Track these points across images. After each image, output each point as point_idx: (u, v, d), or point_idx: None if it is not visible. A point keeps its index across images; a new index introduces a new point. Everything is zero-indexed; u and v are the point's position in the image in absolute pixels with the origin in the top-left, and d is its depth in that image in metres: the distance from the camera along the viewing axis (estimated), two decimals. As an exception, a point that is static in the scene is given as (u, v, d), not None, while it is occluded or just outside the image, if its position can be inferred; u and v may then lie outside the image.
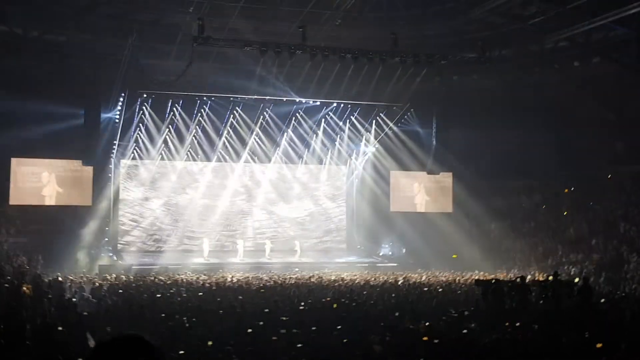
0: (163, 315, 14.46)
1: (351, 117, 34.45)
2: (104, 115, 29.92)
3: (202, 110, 32.06)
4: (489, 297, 17.14)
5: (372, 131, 35.52)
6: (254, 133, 34.60)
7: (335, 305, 16.71)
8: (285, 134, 35.15)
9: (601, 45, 29.51)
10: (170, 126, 32.87)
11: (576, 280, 20.40)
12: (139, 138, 33.32)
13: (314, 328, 12.60)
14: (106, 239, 32.97)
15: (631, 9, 24.23)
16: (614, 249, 28.00)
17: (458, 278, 26.03)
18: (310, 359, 10.28)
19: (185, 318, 14.04)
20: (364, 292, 20.41)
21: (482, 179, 34.16)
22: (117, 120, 30.95)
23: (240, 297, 18.26)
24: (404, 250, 35.04)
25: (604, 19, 25.83)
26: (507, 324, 14.04)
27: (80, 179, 31.86)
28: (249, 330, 12.35)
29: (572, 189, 35.70)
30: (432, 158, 34.44)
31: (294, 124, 34.46)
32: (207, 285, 21.76)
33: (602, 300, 18.76)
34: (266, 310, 15.51)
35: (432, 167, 35.08)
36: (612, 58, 30.00)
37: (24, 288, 17.66)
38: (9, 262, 24.03)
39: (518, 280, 18.14)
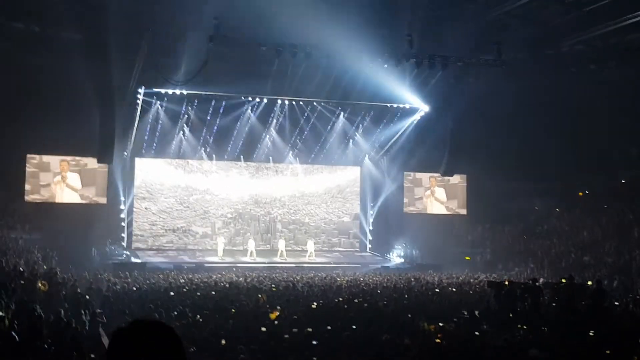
0: (175, 313, 14.54)
1: (366, 117, 34.42)
2: (119, 114, 30.02)
3: (218, 109, 32.16)
4: (502, 299, 17.09)
5: (387, 132, 35.47)
6: (269, 133, 34.73)
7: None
8: (299, 134, 35.20)
9: (618, 49, 29.34)
10: (185, 124, 33.05)
11: (589, 283, 20.29)
12: (154, 136, 33.49)
13: (329, 327, 12.62)
14: (122, 236, 33.21)
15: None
16: (627, 252, 27.85)
17: (471, 280, 25.97)
18: (322, 357, 10.31)
19: (198, 316, 14.11)
20: (378, 292, 20.43)
21: (496, 182, 34.06)
22: (132, 119, 31.09)
23: (260, 296, 18.33)
24: (415, 252, 34.96)
25: (621, 22, 25.71)
26: (519, 326, 14.02)
27: (95, 176, 32.15)
28: (263, 329, 12.40)
29: (586, 192, 35.56)
30: (447, 160, 34.40)
31: (308, 125, 34.50)
32: (221, 284, 21.83)
33: (616, 303, 18.67)
34: (278, 308, 15.57)
35: (447, 169, 35.02)
36: (628, 62, 29.83)
37: (39, 284, 17.79)
38: (23, 258, 24.19)
39: (531, 282, 18.09)
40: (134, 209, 34.65)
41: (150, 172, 35.30)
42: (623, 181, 34.42)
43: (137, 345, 2.54)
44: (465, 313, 15.36)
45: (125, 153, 33.32)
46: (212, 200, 36.18)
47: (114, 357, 2.56)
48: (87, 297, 16.82)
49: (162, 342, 2.57)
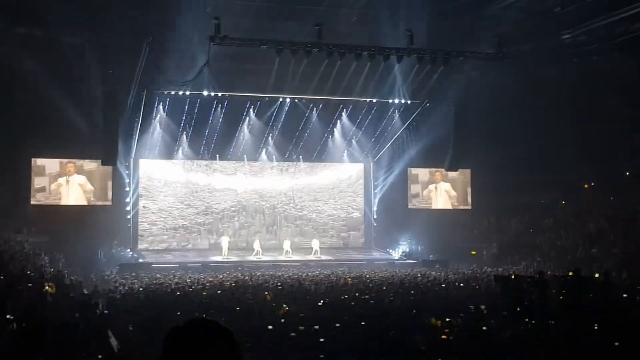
0: (179, 313, 14.54)
1: (368, 114, 34.41)
2: (122, 116, 30.06)
3: (220, 109, 32.19)
4: (509, 293, 17.04)
5: (390, 128, 35.46)
6: (271, 132, 34.71)
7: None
8: (302, 132, 35.20)
9: (621, 39, 29.20)
10: (188, 125, 33.06)
11: (597, 275, 20.24)
12: (157, 137, 33.56)
13: (337, 325, 12.62)
14: (127, 237, 33.27)
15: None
16: (634, 244, 27.76)
17: (477, 274, 25.92)
18: (329, 355, 10.31)
19: (205, 316, 14.11)
20: (383, 288, 20.42)
21: (501, 175, 33.99)
22: (135, 120, 31.15)
23: (267, 294, 18.35)
24: (421, 248, 34.97)
25: (624, 12, 25.59)
26: (526, 320, 13.99)
27: (100, 178, 32.19)
28: (270, 327, 12.41)
29: (592, 184, 35.44)
30: (451, 155, 34.32)
31: (311, 122, 34.49)
32: (227, 283, 21.86)
33: (624, 295, 18.60)
34: (285, 306, 15.58)
35: (451, 163, 34.95)
36: (631, 52, 29.70)
37: (47, 287, 17.84)
38: (30, 261, 24.25)
39: (537, 276, 18.04)
40: (139, 210, 34.72)
41: (154, 173, 35.36)
42: (628, 173, 34.29)
43: (193, 345, 2.52)
44: (472, 308, 15.34)
45: (129, 155, 33.38)
46: (216, 198, 36.21)
47: (169, 357, 2.55)
48: (94, 298, 16.87)
49: (218, 341, 2.55)
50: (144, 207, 34.98)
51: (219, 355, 2.52)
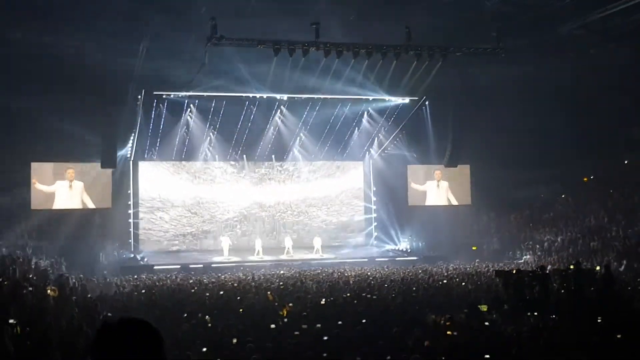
0: (185, 315, 14.57)
1: (367, 112, 34.42)
2: (120, 119, 30.04)
3: (218, 110, 32.19)
4: (510, 288, 17.08)
5: (388, 126, 35.48)
6: (270, 131, 34.69)
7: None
8: (301, 130, 35.22)
9: (617, 31, 29.20)
10: (186, 127, 33.05)
11: (597, 268, 20.27)
12: (156, 139, 33.54)
13: (339, 322, 12.67)
14: (129, 240, 33.29)
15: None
16: (635, 235, 27.81)
17: (479, 270, 25.94)
18: (333, 353, 10.33)
19: (207, 316, 14.15)
20: (385, 286, 20.44)
21: (500, 170, 34.02)
22: (134, 123, 31.15)
23: (269, 293, 18.37)
24: (422, 244, 35.03)
25: (619, 5, 25.59)
26: (529, 314, 14.03)
27: (99, 181, 32.14)
28: (272, 326, 12.45)
29: (591, 177, 35.50)
30: (450, 151, 34.34)
31: (309, 121, 34.49)
32: (229, 284, 21.87)
33: (629, 288, 18.66)
34: (289, 304, 15.62)
35: (450, 160, 34.98)
36: (627, 44, 29.72)
37: (49, 291, 17.85)
38: (32, 265, 24.26)
39: (539, 270, 18.07)
40: (140, 213, 34.74)
41: (153, 176, 35.39)
42: (627, 162, 34.35)
43: (120, 340, 2.69)
44: (474, 303, 15.37)
45: (129, 157, 33.41)
46: (217, 205, 36.27)
47: (99, 350, 2.70)
48: (97, 301, 16.89)
49: (144, 339, 2.72)
50: (148, 210, 35.00)
51: (143, 353, 2.68)
